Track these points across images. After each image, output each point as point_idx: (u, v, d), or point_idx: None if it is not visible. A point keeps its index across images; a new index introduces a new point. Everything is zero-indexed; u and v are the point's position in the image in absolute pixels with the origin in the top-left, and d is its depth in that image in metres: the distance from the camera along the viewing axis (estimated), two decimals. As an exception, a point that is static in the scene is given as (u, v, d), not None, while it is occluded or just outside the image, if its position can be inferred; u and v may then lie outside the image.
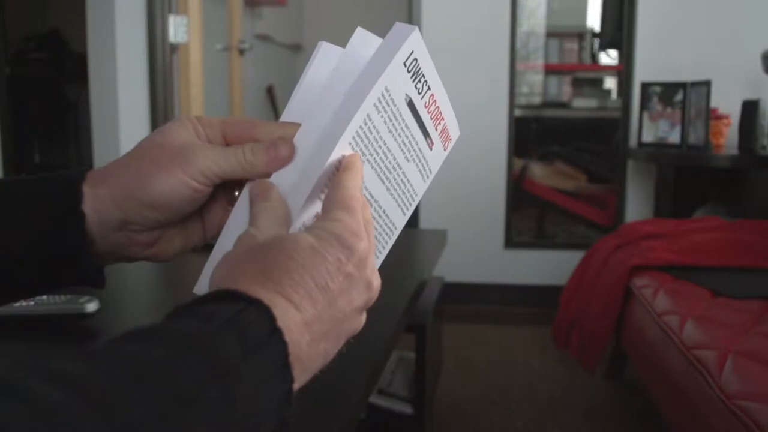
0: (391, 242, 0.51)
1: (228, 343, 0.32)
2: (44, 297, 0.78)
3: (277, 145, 0.46)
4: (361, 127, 0.43)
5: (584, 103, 3.49)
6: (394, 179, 0.48)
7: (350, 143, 0.43)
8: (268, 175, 0.46)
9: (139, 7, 2.63)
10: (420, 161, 0.50)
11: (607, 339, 1.96)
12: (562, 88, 3.54)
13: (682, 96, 2.72)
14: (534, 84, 3.46)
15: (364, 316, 0.43)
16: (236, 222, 0.47)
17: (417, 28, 0.43)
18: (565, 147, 3.50)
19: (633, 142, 2.98)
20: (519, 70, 3.15)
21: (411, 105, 0.46)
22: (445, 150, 0.52)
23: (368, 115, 0.43)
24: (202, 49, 2.86)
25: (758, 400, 1.09)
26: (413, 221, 2.95)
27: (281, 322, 0.35)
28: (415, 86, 0.46)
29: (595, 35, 3.58)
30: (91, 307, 0.77)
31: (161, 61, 2.67)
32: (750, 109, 2.59)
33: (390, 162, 0.47)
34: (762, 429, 1.03)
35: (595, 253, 2.17)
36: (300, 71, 0.49)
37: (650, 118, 2.80)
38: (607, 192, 3.27)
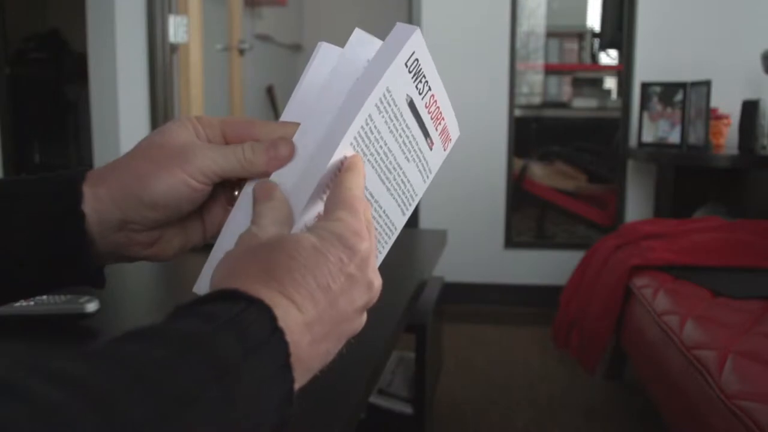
0: (390, 242, 0.51)
1: (229, 343, 0.32)
2: (44, 297, 0.78)
3: (277, 144, 0.46)
4: (362, 127, 0.43)
5: (584, 103, 3.49)
6: (395, 179, 0.48)
7: (352, 143, 0.43)
8: (267, 174, 0.46)
9: (139, 7, 2.63)
10: (420, 161, 0.50)
11: (607, 339, 1.96)
12: (562, 88, 3.54)
13: (682, 96, 2.72)
14: (534, 84, 3.46)
15: (364, 317, 0.43)
16: (236, 222, 0.47)
17: (418, 29, 0.43)
18: (565, 147, 3.50)
19: (633, 142, 2.98)
20: (519, 70, 3.15)
21: (412, 105, 0.46)
22: (444, 150, 0.52)
23: (370, 116, 0.43)
24: (202, 49, 2.86)
25: (758, 400, 1.09)
26: (413, 221, 2.95)
27: (282, 322, 0.35)
28: (416, 86, 0.46)
29: (595, 35, 3.58)
30: (91, 307, 0.77)
31: (161, 61, 2.67)
32: (750, 109, 2.59)
33: (390, 162, 0.47)
34: (762, 429, 1.03)
35: (595, 253, 2.17)
36: (300, 71, 0.49)
37: (650, 118, 2.80)
38: (607, 192, 3.27)
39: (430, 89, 0.47)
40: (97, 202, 0.45)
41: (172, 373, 0.29)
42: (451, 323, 2.58)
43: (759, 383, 1.15)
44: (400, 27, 0.44)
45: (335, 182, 0.43)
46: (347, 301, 0.39)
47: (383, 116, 0.44)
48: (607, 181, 3.31)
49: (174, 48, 2.74)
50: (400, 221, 0.51)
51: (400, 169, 0.48)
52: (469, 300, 3.10)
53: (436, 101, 0.48)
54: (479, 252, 3.12)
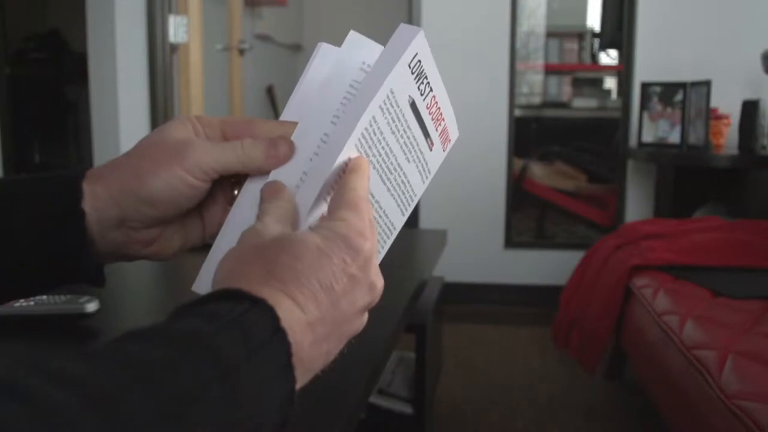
0: (389, 242, 0.51)
1: (231, 343, 0.32)
2: (44, 297, 0.78)
3: (277, 143, 0.46)
4: (366, 128, 0.43)
5: (584, 103, 3.49)
6: (395, 180, 0.48)
7: (356, 144, 0.44)
8: (266, 171, 0.46)
9: (139, 7, 2.63)
10: (420, 162, 0.50)
11: (607, 339, 1.96)
12: (562, 88, 3.54)
13: (682, 96, 2.72)
14: (534, 84, 3.46)
15: (365, 317, 0.43)
16: (235, 220, 0.47)
17: (422, 30, 0.43)
18: (565, 147, 3.50)
19: (633, 142, 2.98)
20: (519, 70, 3.15)
21: (413, 106, 0.46)
22: (444, 151, 0.52)
23: (374, 117, 0.43)
24: (202, 49, 2.86)
25: (758, 400, 1.09)
26: (413, 221, 2.95)
27: (285, 323, 0.35)
28: (418, 87, 0.46)
29: (595, 35, 3.58)
30: (91, 307, 0.77)
31: (161, 61, 2.67)
32: (750, 109, 2.59)
33: (392, 163, 0.47)
34: (762, 429, 1.03)
35: (595, 253, 2.17)
36: (300, 71, 0.49)
37: (650, 118, 2.80)
38: (607, 192, 3.28)
39: (431, 90, 0.47)
40: (95, 200, 0.45)
41: (172, 374, 0.29)
42: (451, 323, 2.58)
43: (759, 383, 1.15)
44: (404, 28, 0.44)
45: (339, 183, 0.43)
46: (349, 302, 0.39)
47: (386, 117, 0.44)
48: (607, 181, 3.31)
49: (174, 48, 2.74)
50: (400, 221, 0.51)
51: (401, 169, 0.48)
52: (469, 300, 3.10)
53: (437, 102, 0.48)
54: (479, 252, 3.12)
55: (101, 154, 2.68)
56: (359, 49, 0.47)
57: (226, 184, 0.50)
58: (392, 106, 0.44)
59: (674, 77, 2.80)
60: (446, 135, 0.52)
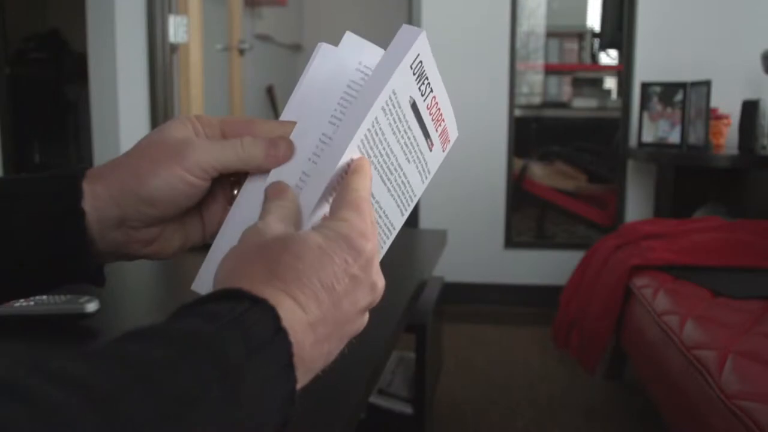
0: (389, 242, 0.51)
1: (232, 342, 0.32)
2: (44, 297, 0.78)
3: (277, 142, 0.46)
4: (369, 129, 0.44)
5: (584, 103, 3.49)
6: (395, 180, 0.49)
7: (358, 145, 0.44)
8: (265, 170, 0.46)
9: (139, 7, 2.63)
10: (420, 162, 0.50)
11: (607, 339, 1.96)
12: (562, 88, 3.54)
13: (682, 96, 2.72)
14: (534, 84, 3.46)
15: (366, 317, 0.43)
16: (235, 220, 0.47)
17: (424, 31, 0.43)
18: (565, 147, 3.50)
19: (633, 142, 2.98)
20: (519, 70, 3.15)
21: (414, 107, 0.46)
22: (443, 151, 0.52)
23: (376, 118, 0.44)
24: (202, 49, 2.86)
25: (758, 400, 1.09)
26: (413, 221, 2.95)
27: (286, 322, 0.35)
28: (419, 88, 0.46)
29: (595, 35, 3.58)
30: (91, 307, 0.77)
31: (161, 61, 2.67)
32: (750, 109, 2.59)
33: (392, 163, 0.47)
34: (762, 429, 1.03)
35: (595, 253, 2.17)
36: (300, 71, 0.49)
37: (650, 118, 2.80)
38: (607, 192, 3.28)
39: (432, 91, 0.47)
40: (95, 200, 0.45)
41: (172, 373, 0.29)
42: (451, 323, 2.58)
43: (759, 383, 1.15)
44: (406, 29, 0.44)
45: (342, 184, 0.43)
46: (351, 302, 0.39)
47: (388, 118, 0.45)
48: (607, 181, 3.31)
49: (174, 48, 2.74)
50: (399, 221, 0.51)
51: (401, 170, 0.49)
52: (469, 300, 3.10)
53: (437, 103, 0.49)
54: (479, 252, 3.12)
55: (101, 154, 2.68)
56: (355, 50, 0.48)
57: (226, 184, 0.50)
58: (394, 107, 0.44)
59: (674, 77, 2.80)
60: (446, 135, 0.52)
